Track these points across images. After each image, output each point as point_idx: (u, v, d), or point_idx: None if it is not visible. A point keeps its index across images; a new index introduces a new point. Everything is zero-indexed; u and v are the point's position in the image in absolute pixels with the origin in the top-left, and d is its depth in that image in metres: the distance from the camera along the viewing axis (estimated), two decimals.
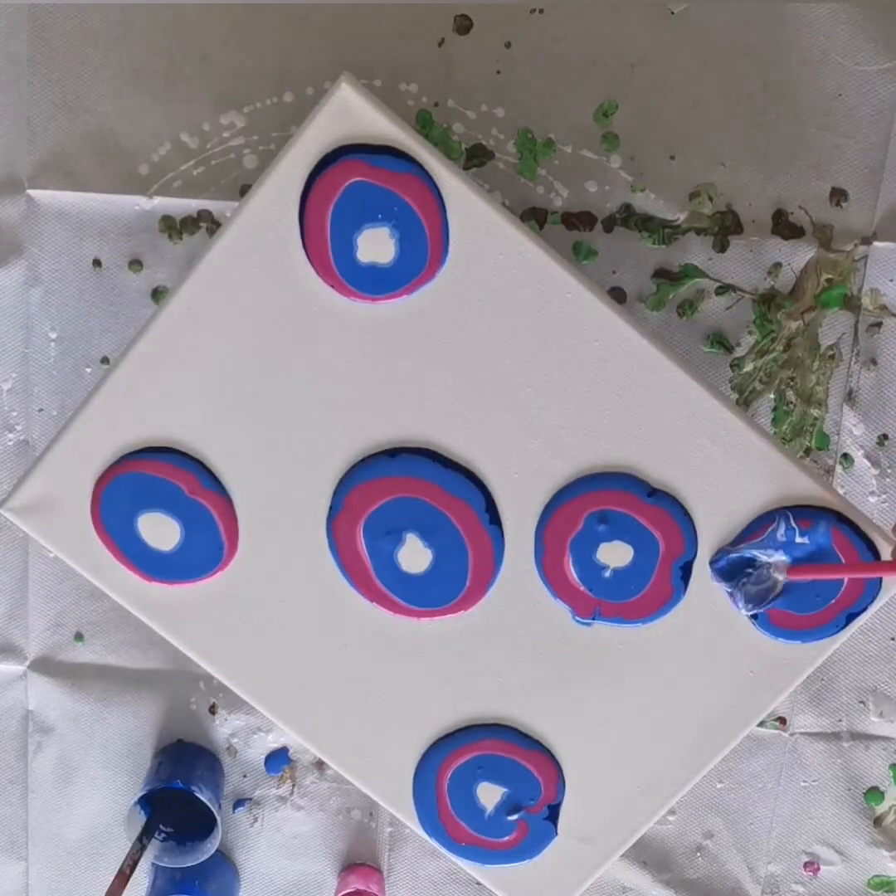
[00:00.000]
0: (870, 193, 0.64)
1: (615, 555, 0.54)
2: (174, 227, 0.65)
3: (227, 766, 0.72)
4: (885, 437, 0.67)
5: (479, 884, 0.72)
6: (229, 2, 0.63)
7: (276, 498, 0.55)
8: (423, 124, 0.64)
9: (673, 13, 0.63)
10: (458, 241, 0.52)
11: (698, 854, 0.72)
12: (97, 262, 0.66)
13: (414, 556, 0.55)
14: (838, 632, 0.54)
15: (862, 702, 0.70)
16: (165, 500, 0.55)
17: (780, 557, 0.53)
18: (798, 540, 0.53)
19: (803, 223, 0.65)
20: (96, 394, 0.54)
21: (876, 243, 0.65)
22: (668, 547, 0.54)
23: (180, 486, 0.55)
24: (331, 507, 0.55)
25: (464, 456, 0.54)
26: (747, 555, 0.53)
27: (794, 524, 0.53)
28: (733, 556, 0.53)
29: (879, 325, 0.66)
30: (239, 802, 0.72)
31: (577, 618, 0.55)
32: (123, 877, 0.62)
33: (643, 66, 0.63)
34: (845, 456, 0.67)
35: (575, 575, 0.55)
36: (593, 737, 0.56)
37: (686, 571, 0.54)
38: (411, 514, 0.55)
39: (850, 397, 0.66)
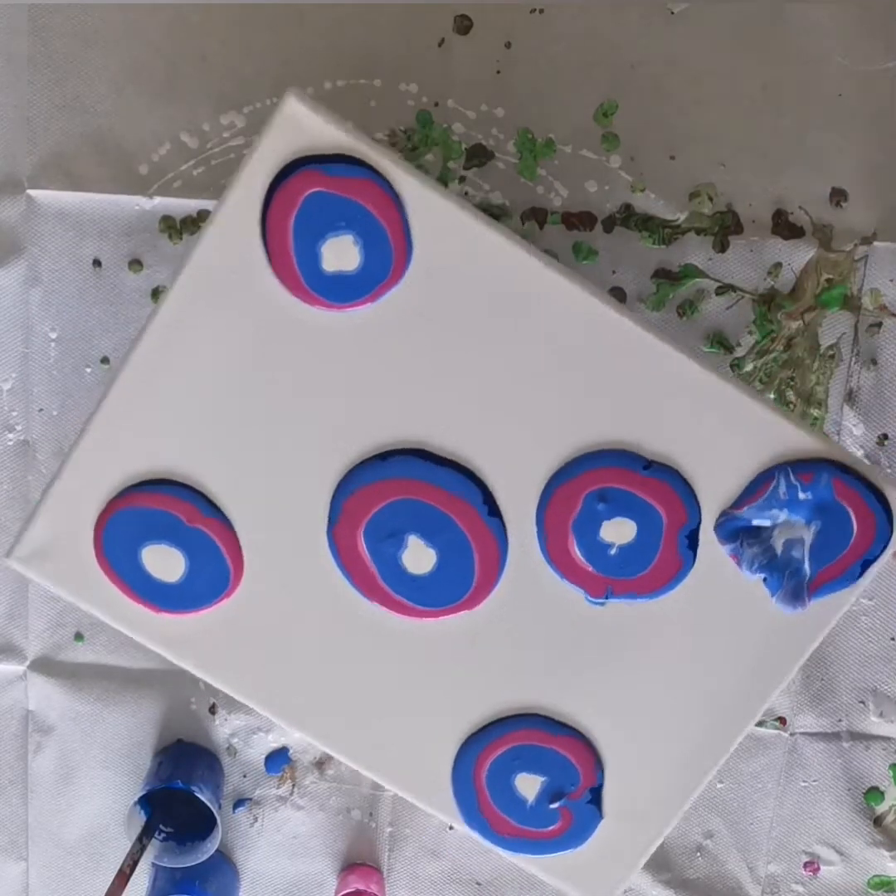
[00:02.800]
0: (870, 193, 0.64)
1: (619, 532, 0.54)
2: (174, 227, 0.65)
3: (227, 766, 0.72)
4: (885, 436, 0.67)
5: (478, 884, 0.72)
6: (229, 2, 0.63)
7: (275, 515, 0.55)
8: (423, 124, 0.64)
9: (673, 13, 0.63)
10: (422, 241, 0.52)
11: (698, 854, 0.72)
12: (97, 262, 0.66)
13: (418, 557, 0.55)
14: (856, 581, 0.53)
15: (862, 702, 0.70)
16: (166, 531, 0.55)
17: (792, 525, 0.53)
18: (800, 496, 0.52)
19: (803, 223, 0.65)
20: (84, 435, 0.54)
21: (876, 243, 0.65)
22: (671, 517, 0.54)
23: (179, 515, 0.55)
24: (329, 517, 0.55)
25: (455, 452, 0.54)
26: (753, 522, 0.53)
27: (794, 480, 0.52)
28: (739, 523, 0.53)
29: (879, 325, 0.66)
30: (239, 802, 0.72)
31: (590, 599, 0.55)
32: (123, 877, 0.62)
33: (643, 66, 0.63)
34: None
35: (581, 556, 0.54)
36: (624, 715, 0.56)
37: (692, 539, 0.54)
38: (410, 515, 0.55)
39: (850, 397, 0.66)
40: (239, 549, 0.55)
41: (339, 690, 0.57)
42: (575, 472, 0.54)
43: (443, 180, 0.64)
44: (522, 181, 0.65)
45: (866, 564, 0.53)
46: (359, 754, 0.57)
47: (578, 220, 0.65)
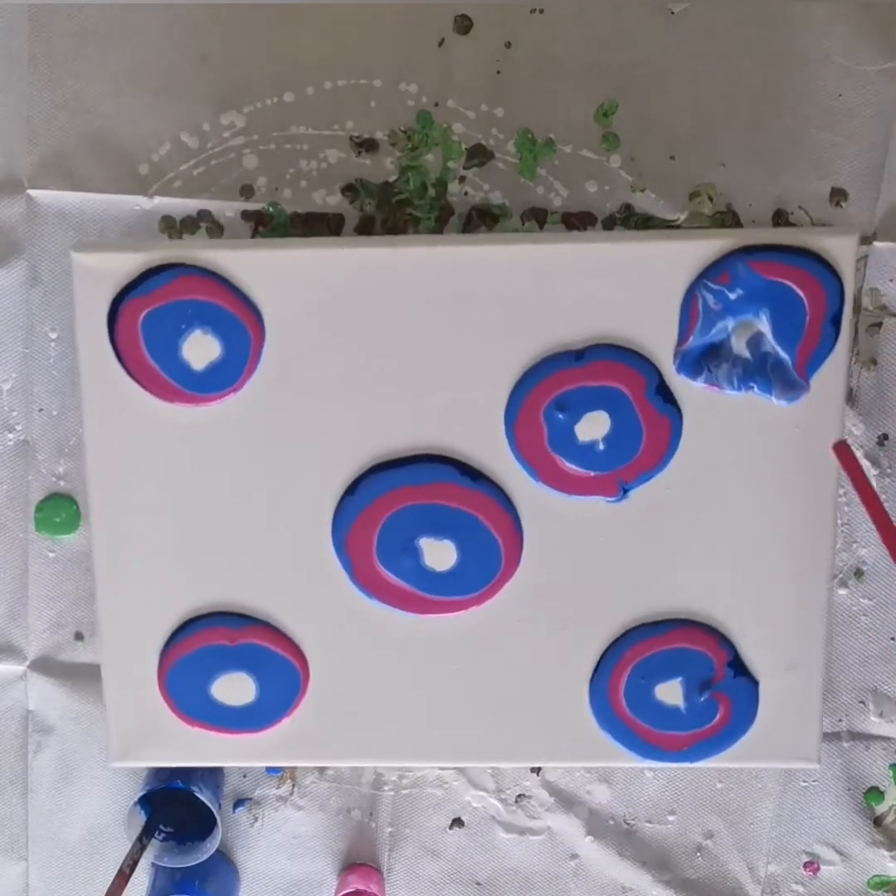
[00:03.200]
0: (870, 193, 0.64)
1: (593, 427, 0.54)
2: (174, 227, 0.65)
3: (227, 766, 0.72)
4: (885, 437, 0.67)
5: (478, 884, 0.72)
6: (229, 2, 0.63)
7: (300, 594, 0.56)
8: (423, 124, 0.64)
9: (673, 13, 0.63)
10: (262, 296, 0.53)
11: (698, 854, 0.72)
12: None
13: (438, 554, 0.55)
14: (836, 340, 0.52)
15: (862, 702, 0.70)
16: (219, 661, 0.57)
17: (737, 324, 0.52)
18: (731, 297, 0.51)
19: (803, 223, 0.65)
20: (102, 635, 0.57)
21: (876, 243, 0.65)
22: (631, 386, 0.53)
23: (221, 643, 0.56)
24: (344, 568, 0.56)
25: (412, 447, 0.55)
26: (704, 344, 0.52)
27: (714, 286, 0.51)
28: (693, 352, 0.52)
29: (879, 325, 0.66)
30: (239, 802, 0.72)
31: (610, 500, 0.54)
32: (123, 877, 0.62)
33: (643, 66, 0.63)
34: None
35: (577, 467, 0.54)
36: (714, 580, 0.55)
37: (664, 394, 0.53)
38: (408, 522, 0.55)
39: (850, 397, 0.66)
40: (289, 640, 0.56)
41: (449, 708, 0.57)
42: (521, 400, 0.54)
43: (443, 180, 0.64)
44: (522, 181, 0.65)
45: (836, 320, 0.52)
46: (508, 754, 0.57)
47: (578, 220, 0.65)
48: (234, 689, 0.57)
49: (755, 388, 0.52)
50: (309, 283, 0.53)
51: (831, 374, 0.53)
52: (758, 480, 0.54)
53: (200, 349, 0.54)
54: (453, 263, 0.53)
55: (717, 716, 0.56)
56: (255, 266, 0.53)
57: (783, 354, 0.52)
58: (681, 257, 0.52)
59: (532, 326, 0.53)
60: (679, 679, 0.56)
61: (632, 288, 0.52)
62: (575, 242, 0.52)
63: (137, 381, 0.54)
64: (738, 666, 0.55)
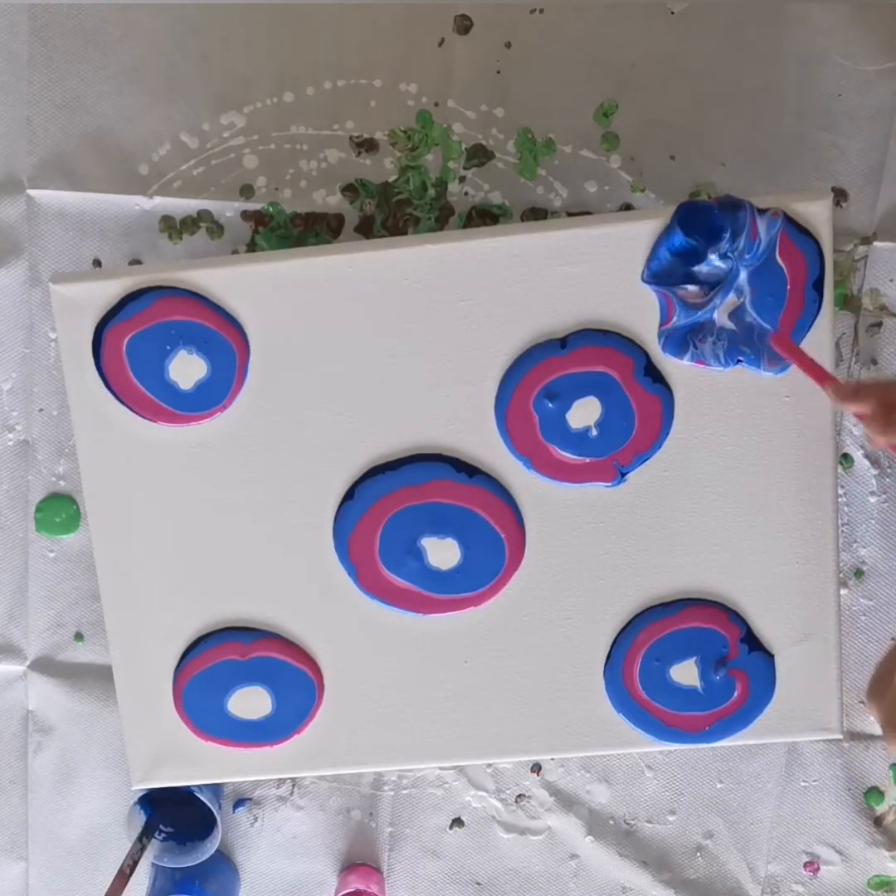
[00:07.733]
0: (870, 193, 0.64)
1: (584, 413, 0.54)
2: (174, 227, 0.65)
3: None
4: None
5: (478, 884, 0.72)
6: (229, 2, 0.63)
7: (306, 601, 0.56)
8: (423, 124, 0.64)
9: (673, 13, 0.63)
10: (244, 311, 0.54)
11: (698, 854, 0.72)
12: (97, 262, 0.66)
13: (443, 553, 0.55)
14: (821, 304, 0.52)
15: (862, 702, 0.70)
16: (232, 677, 0.57)
17: (724, 300, 0.51)
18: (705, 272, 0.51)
19: None
20: (114, 663, 0.58)
21: (876, 243, 0.65)
22: (619, 369, 0.53)
23: (232, 658, 0.57)
24: (349, 574, 0.56)
25: (406, 447, 0.55)
26: (689, 323, 0.52)
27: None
28: (680, 330, 0.52)
29: (879, 325, 0.66)
30: (239, 802, 0.72)
31: (609, 486, 0.54)
32: (123, 877, 0.62)
33: (643, 66, 0.63)
34: (845, 456, 0.67)
35: (572, 456, 0.54)
36: (721, 557, 0.55)
37: (652, 375, 0.53)
38: (408, 524, 0.55)
39: None
40: (300, 650, 0.57)
41: (465, 706, 0.57)
42: (509, 392, 0.54)
43: (443, 180, 0.64)
44: (522, 181, 0.65)
45: (818, 285, 0.51)
46: (527, 747, 0.57)
47: None
48: (251, 702, 0.57)
49: (743, 362, 0.52)
50: (287, 294, 0.53)
51: (818, 340, 0.52)
52: (755, 453, 0.54)
53: (187, 369, 0.54)
54: (428, 262, 0.53)
55: (735, 693, 0.56)
56: (231, 282, 0.53)
57: (767, 325, 0.51)
58: (654, 236, 0.52)
59: (514, 318, 0.53)
60: (693, 659, 0.55)
61: (609, 271, 0.52)
62: (548, 230, 0.52)
63: (127, 406, 0.55)
64: (751, 641, 0.55)
